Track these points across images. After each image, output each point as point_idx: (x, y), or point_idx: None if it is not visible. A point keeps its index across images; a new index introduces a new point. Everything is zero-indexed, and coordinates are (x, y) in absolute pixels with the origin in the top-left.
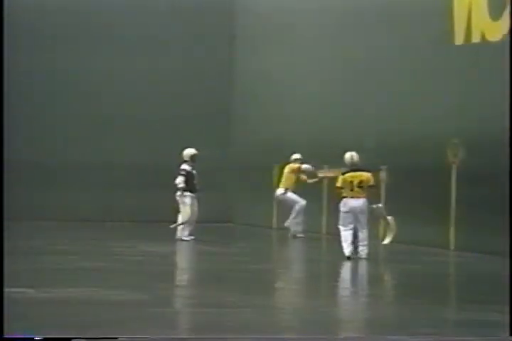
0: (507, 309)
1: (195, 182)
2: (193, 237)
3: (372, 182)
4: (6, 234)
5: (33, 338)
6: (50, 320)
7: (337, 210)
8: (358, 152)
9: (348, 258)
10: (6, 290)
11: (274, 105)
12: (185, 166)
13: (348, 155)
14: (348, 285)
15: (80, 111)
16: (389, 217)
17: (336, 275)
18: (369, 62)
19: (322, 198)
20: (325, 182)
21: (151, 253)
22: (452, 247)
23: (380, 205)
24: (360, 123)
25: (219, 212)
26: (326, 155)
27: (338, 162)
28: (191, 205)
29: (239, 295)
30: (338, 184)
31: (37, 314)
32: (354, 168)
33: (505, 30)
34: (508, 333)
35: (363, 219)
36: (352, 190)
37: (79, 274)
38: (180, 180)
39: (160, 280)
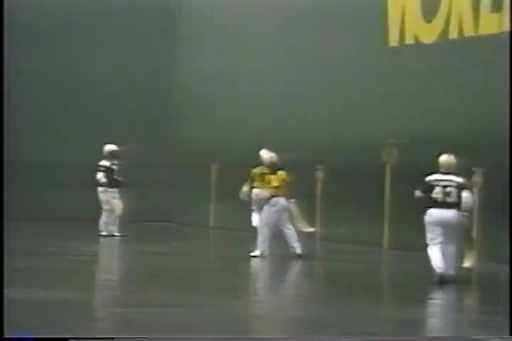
0: (441, 306)
1: (115, 177)
2: (117, 233)
3: (288, 180)
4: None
5: (32, 338)
6: None
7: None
8: (293, 151)
9: (255, 256)
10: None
11: (215, 105)
12: (104, 162)
13: (267, 155)
14: (284, 284)
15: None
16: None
17: (273, 273)
18: (307, 63)
19: None
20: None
21: (95, 253)
22: (386, 246)
23: (293, 200)
24: (297, 123)
25: (157, 210)
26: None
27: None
28: (114, 200)
29: (179, 294)
30: (276, 183)
31: None
32: (277, 167)
33: (438, 32)
34: (508, 333)
35: (286, 216)
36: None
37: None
38: (100, 176)
39: (101, 279)
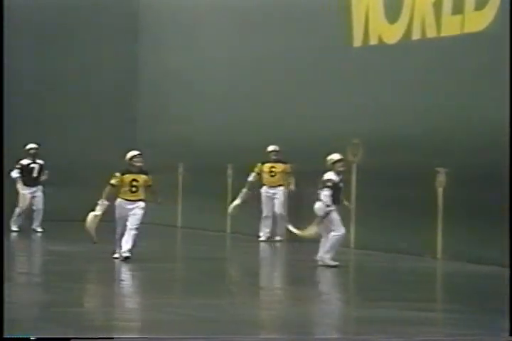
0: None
1: (34, 175)
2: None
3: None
4: None
5: (32, 338)
6: None
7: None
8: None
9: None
10: None
11: (181, 104)
12: (24, 161)
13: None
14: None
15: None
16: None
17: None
18: (271, 63)
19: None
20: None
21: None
22: (353, 245)
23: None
24: (263, 124)
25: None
26: (230, 155)
27: (243, 162)
28: (23, 195)
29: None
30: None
31: None
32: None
33: (402, 32)
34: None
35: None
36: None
37: None
38: (14, 174)
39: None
